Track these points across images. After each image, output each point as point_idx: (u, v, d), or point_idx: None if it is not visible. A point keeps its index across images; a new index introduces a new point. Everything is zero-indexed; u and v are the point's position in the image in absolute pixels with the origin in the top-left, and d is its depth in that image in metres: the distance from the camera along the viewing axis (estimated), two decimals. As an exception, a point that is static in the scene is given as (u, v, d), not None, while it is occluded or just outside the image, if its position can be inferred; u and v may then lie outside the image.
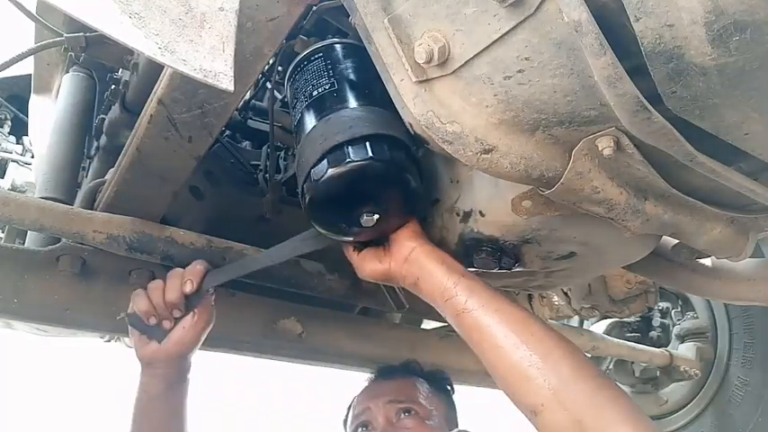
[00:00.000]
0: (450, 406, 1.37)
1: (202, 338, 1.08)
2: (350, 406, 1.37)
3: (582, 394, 0.74)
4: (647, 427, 0.73)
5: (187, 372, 1.12)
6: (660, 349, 2.17)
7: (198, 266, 1.05)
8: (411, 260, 0.90)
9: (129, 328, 1.05)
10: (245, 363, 1.71)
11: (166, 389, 1.09)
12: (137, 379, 1.08)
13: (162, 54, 0.61)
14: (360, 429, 1.28)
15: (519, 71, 0.65)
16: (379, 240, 0.95)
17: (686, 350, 2.19)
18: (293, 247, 1.04)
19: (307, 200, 0.86)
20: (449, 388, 1.41)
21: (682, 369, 2.12)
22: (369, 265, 0.94)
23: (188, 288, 1.02)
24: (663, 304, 2.35)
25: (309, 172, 0.84)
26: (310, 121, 0.91)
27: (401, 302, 1.09)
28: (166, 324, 1.04)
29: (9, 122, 2.66)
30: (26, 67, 1.92)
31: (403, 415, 1.24)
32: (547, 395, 0.74)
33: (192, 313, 1.04)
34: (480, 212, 0.90)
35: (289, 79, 1.01)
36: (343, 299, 1.40)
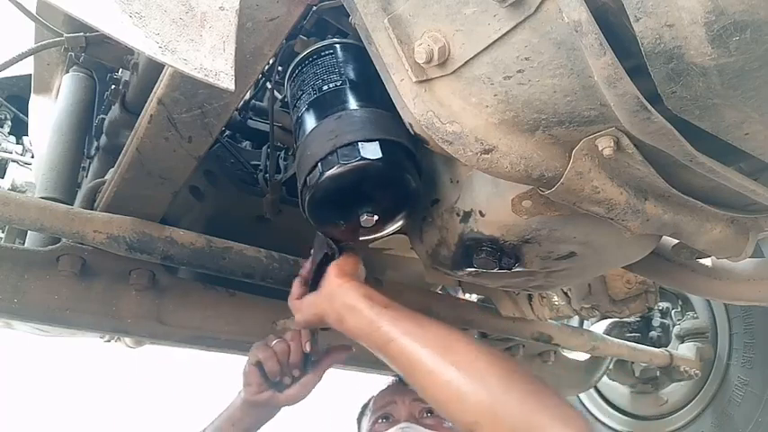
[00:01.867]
0: None
1: (311, 392, 1.15)
2: (368, 403, 1.39)
3: (512, 404, 0.75)
4: (577, 426, 0.74)
5: (273, 416, 1.19)
6: (660, 349, 2.17)
7: (306, 330, 1.12)
8: (334, 297, 0.93)
9: (251, 372, 1.11)
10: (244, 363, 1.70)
11: (254, 425, 1.17)
12: (228, 405, 1.16)
13: (162, 53, 0.61)
14: (381, 420, 1.30)
15: (519, 71, 0.65)
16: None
17: (686, 350, 2.19)
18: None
19: (309, 195, 0.87)
20: None
21: (682, 369, 2.12)
22: (303, 308, 1.00)
23: (308, 349, 1.11)
24: (663, 304, 2.35)
25: (316, 165, 0.85)
26: (317, 116, 0.91)
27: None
28: (286, 379, 1.12)
29: (9, 122, 2.66)
30: (26, 67, 1.92)
31: (426, 414, 1.27)
32: (479, 412, 0.75)
33: (312, 373, 1.13)
34: (480, 212, 0.90)
35: (290, 77, 1.01)
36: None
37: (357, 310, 0.89)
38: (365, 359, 1.54)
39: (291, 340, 1.11)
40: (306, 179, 0.87)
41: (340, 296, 0.93)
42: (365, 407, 1.38)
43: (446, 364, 0.79)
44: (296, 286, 1.08)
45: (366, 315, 0.88)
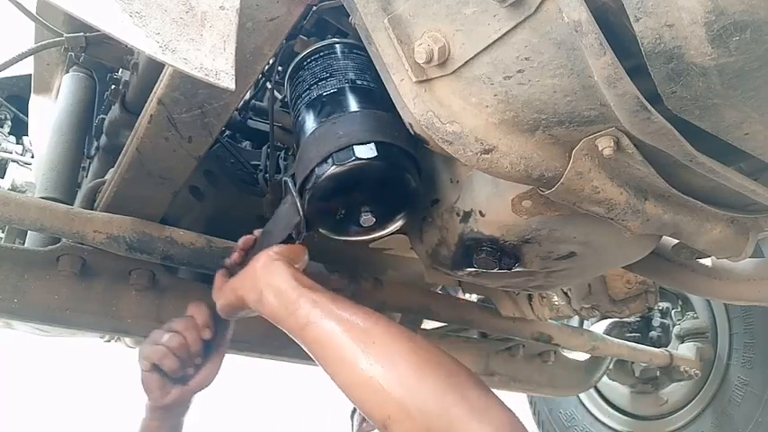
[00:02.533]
0: None
1: (221, 365, 1.09)
2: None
3: (428, 398, 0.70)
4: (498, 420, 0.69)
5: (188, 410, 1.11)
6: (660, 349, 2.17)
7: (202, 308, 1.05)
8: (258, 274, 0.87)
9: (149, 379, 1.03)
10: (245, 363, 1.71)
11: (177, 425, 1.10)
12: (140, 421, 1.07)
13: (163, 53, 0.61)
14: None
15: (519, 71, 0.65)
16: None
17: (686, 350, 2.19)
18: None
19: (308, 196, 0.87)
20: None
21: (682, 369, 2.12)
22: (229, 294, 0.94)
23: (208, 335, 1.04)
24: (663, 304, 2.35)
25: (313, 170, 0.85)
26: (316, 117, 0.91)
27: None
28: (190, 371, 1.05)
29: (9, 122, 2.66)
30: (26, 67, 1.92)
31: None
32: (393, 406, 0.71)
33: (216, 353, 1.07)
34: (480, 212, 0.90)
35: (290, 77, 1.01)
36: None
37: (280, 291, 0.83)
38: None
39: (186, 330, 1.02)
40: (303, 183, 0.87)
41: (264, 275, 0.86)
42: None
43: (360, 354, 0.74)
44: (219, 279, 1.02)
45: (288, 296, 0.82)
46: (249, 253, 1.02)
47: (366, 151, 0.84)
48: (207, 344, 1.05)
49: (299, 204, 0.88)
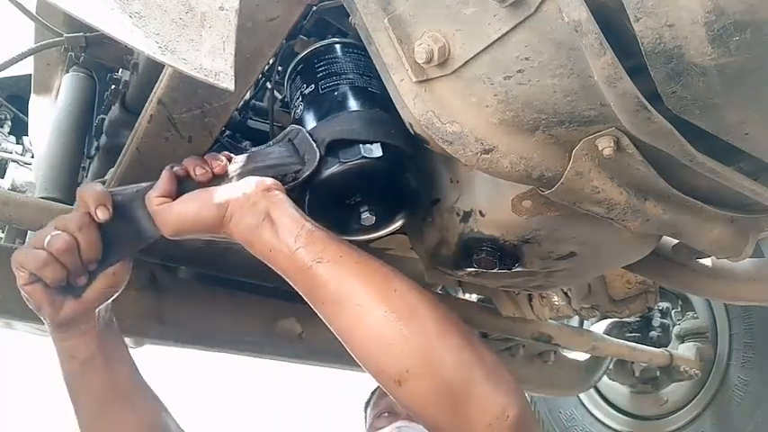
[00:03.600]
0: None
1: (129, 273, 0.88)
2: (375, 391, 1.35)
3: (448, 355, 0.67)
4: (507, 386, 0.69)
5: (112, 320, 0.91)
6: (660, 349, 2.17)
7: (97, 189, 0.81)
8: (256, 201, 0.74)
9: (30, 292, 0.81)
10: (244, 363, 1.71)
11: (99, 344, 0.88)
12: (55, 357, 0.88)
13: (162, 53, 0.61)
14: (386, 413, 1.27)
15: (519, 71, 0.65)
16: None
17: (686, 350, 2.19)
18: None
19: (308, 195, 0.87)
20: None
21: (682, 369, 2.12)
22: (194, 205, 0.75)
23: (103, 216, 0.79)
24: (663, 304, 2.35)
25: (316, 166, 0.85)
26: (316, 116, 0.91)
27: None
28: (82, 280, 0.82)
29: (9, 122, 2.66)
30: (26, 67, 1.91)
31: None
32: (413, 359, 0.67)
33: (119, 252, 0.84)
34: (480, 212, 0.90)
35: (290, 77, 1.01)
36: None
37: (288, 219, 0.73)
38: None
39: (78, 228, 0.79)
40: (307, 177, 0.87)
41: (266, 201, 0.74)
42: (372, 394, 1.37)
43: (380, 300, 0.68)
44: (166, 183, 0.80)
45: (293, 229, 0.72)
46: (216, 180, 0.81)
47: (372, 150, 0.84)
48: (105, 241, 0.81)
49: (315, 147, 0.80)
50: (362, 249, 0.75)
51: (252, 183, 0.77)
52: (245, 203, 0.74)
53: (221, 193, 0.76)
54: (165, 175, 0.81)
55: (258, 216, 0.74)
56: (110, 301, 0.88)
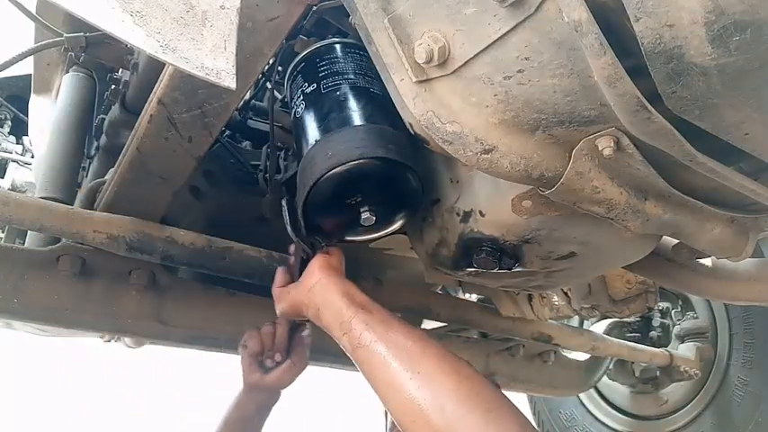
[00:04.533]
0: None
1: (297, 378, 1.21)
2: None
3: (466, 425, 0.72)
4: None
5: (276, 402, 1.25)
6: (660, 349, 2.17)
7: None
8: (315, 291, 0.93)
9: (242, 356, 1.20)
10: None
11: (257, 412, 1.23)
12: (234, 396, 1.23)
13: (163, 52, 0.61)
14: None
15: (519, 71, 0.65)
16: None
17: (686, 350, 2.19)
18: None
19: (308, 195, 0.87)
20: None
21: (682, 369, 2.12)
22: (284, 298, 1.00)
23: (284, 336, 1.18)
24: (663, 304, 2.35)
25: (317, 181, 0.85)
26: (316, 118, 0.91)
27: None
28: (269, 362, 1.19)
29: (9, 122, 2.66)
30: (26, 67, 1.92)
31: None
32: (428, 425, 0.73)
33: (289, 360, 1.19)
34: (480, 212, 0.90)
35: (290, 77, 1.01)
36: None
37: (335, 308, 0.89)
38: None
39: (279, 324, 1.18)
40: (309, 190, 0.87)
41: (320, 291, 0.92)
42: None
43: (407, 380, 0.77)
44: (280, 274, 1.09)
45: (341, 314, 0.87)
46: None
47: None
48: (290, 346, 1.20)
49: (290, 231, 0.95)
50: (399, 322, 0.86)
51: (308, 280, 0.96)
52: (305, 299, 0.95)
53: (294, 294, 1.00)
54: (278, 275, 1.10)
55: (314, 309, 0.93)
56: (281, 391, 1.23)
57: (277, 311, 1.04)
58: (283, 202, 0.95)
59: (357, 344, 0.84)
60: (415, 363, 0.79)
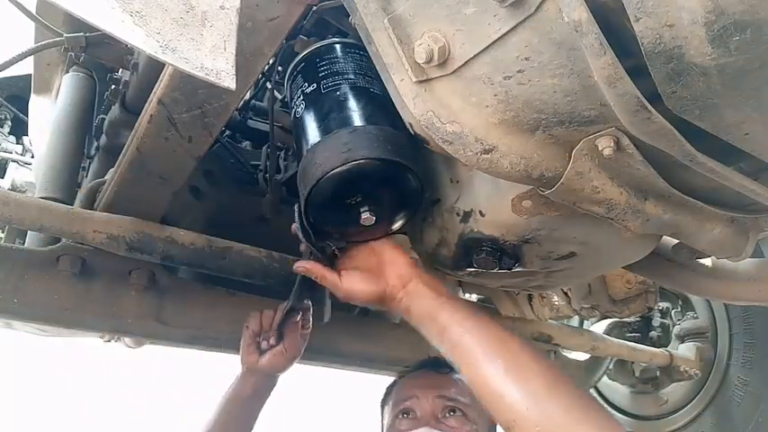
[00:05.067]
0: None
1: (291, 365, 1.24)
2: (391, 388, 1.34)
3: (556, 410, 0.76)
4: None
5: (272, 388, 1.28)
6: (660, 349, 2.17)
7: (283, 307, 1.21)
8: (409, 289, 0.94)
9: (243, 336, 1.23)
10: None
11: (252, 394, 1.25)
12: (232, 378, 1.26)
13: (163, 52, 0.61)
14: (402, 415, 1.24)
15: (519, 71, 0.65)
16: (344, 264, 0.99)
17: (686, 350, 2.19)
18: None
19: (309, 195, 0.87)
20: None
21: (682, 369, 2.12)
22: (359, 286, 0.97)
23: (277, 320, 1.20)
24: (663, 304, 2.35)
25: (325, 175, 0.85)
26: (316, 118, 0.91)
27: (323, 317, 1.16)
28: (264, 345, 1.22)
29: (9, 122, 2.66)
30: (26, 67, 1.92)
31: (449, 413, 1.21)
32: (519, 411, 0.77)
33: (282, 344, 1.21)
34: (480, 212, 0.90)
35: (290, 77, 1.01)
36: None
37: (424, 299, 0.91)
38: (360, 359, 1.55)
39: (279, 310, 1.21)
40: (310, 192, 0.87)
41: (414, 287, 0.93)
42: (389, 392, 1.35)
43: (493, 359, 0.81)
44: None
45: (430, 304, 0.90)
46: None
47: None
48: (280, 332, 1.22)
49: (301, 236, 0.94)
50: (482, 309, 0.90)
51: (394, 266, 0.96)
52: (396, 283, 0.95)
53: (374, 279, 0.97)
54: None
55: (407, 295, 0.94)
56: (278, 377, 1.27)
57: (347, 297, 1.00)
58: (296, 207, 0.94)
59: (444, 327, 0.87)
60: (502, 343, 0.83)
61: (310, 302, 1.24)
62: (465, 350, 0.85)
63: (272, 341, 1.21)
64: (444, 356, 0.89)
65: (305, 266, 1.01)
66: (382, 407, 1.34)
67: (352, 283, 0.98)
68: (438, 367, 1.32)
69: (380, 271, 0.97)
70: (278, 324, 1.21)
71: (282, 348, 1.21)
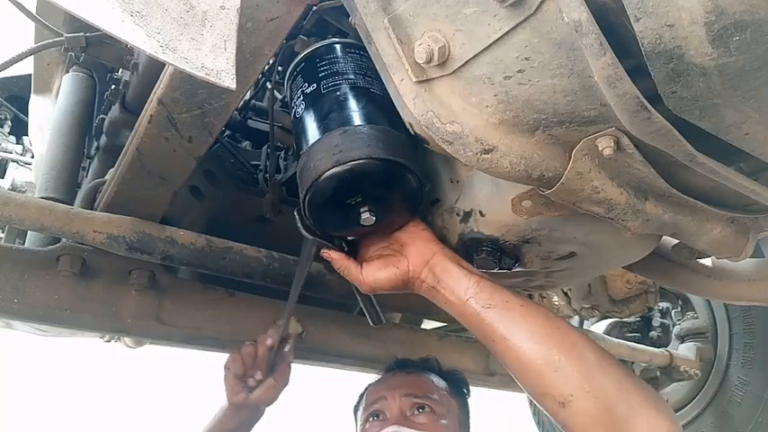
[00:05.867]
0: (465, 409, 1.34)
1: (280, 395, 1.24)
2: (363, 394, 1.35)
3: (610, 382, 0.77)
4: (667, 411, 0.78)
5: (259, 418, 1.28)
6: (660, 349, 2.17)
7: (273, 337, 1.20)
8: (432, 264, 0.90)
9: (225, 377, 1.22)
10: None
11: (239, 427, 1.26)
12: (217, 407, 1.26)
13: (164, 52, 0.61)
14: (371, 418, 1.26)
15: (519, 71, 0.65)
16: (362, 248, 0.97)
17: (686, 350, 2.19)
18: (303, 265, 1.07)
19: (308, 195, 0.87)
20: (465, 391, 1.39)
21: (682, 369, 2.12)
22: (381, 273, 0.91)
23: (269, 343, 1.19)
24: (663, 304, 2.35)
25: (318, 178, 0.85)
26: (317, 118, 0.91)
27: (379, 318, 1.11)
28: (251, 382, 1.20)
29: (9, 122, 2.66)
30: (26, 67, 1.92)
31: (417, 410, 1.22)
32: (575, 384, 0.77)
33: (271, 378, 1.20)
34: (480, 212, 0.90)
35: (290, 77, 1.01)
36: (343, 299, 1.40)
37: (455, 277, 0.88)
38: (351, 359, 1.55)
39: (260, 344, 1.19)
40: (307, 195, 0.87)
41: (438, 262, 0.89)
42: (360, 397, 1.36)
43: (545, 336, 0.81)
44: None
45: (464, 282, 0.87)
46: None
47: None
48: (272, 364, 1.20)
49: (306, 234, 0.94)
50: (520, 293, 0.89)
51: (416, 247, 0.92)
52: (420, 264, 0.90)
53: (396, 261, 0.92)
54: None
55: (433, 275, 0.90)
56: (265, 408, 1.26)
57: (369, 287, 0.93)
58: (295, 212, 0.94)
59: (487, 305, 0.85)
60: (550, 320, 0.83)
61: (300, 327, 1.26)
62: (513, 328, 0.83)
63: (258, 377, 1.19)
64: (477, 333, 0.87)
65: (331, 255, 0.95)
66: (355, 413, 1.36)
67: (374, 272, 0.92)
68: (405, 368, 1.35)
69: (400, 252, 0.92)
70: (264, 359, 1.19)
71: (273, 382, 1.20)
